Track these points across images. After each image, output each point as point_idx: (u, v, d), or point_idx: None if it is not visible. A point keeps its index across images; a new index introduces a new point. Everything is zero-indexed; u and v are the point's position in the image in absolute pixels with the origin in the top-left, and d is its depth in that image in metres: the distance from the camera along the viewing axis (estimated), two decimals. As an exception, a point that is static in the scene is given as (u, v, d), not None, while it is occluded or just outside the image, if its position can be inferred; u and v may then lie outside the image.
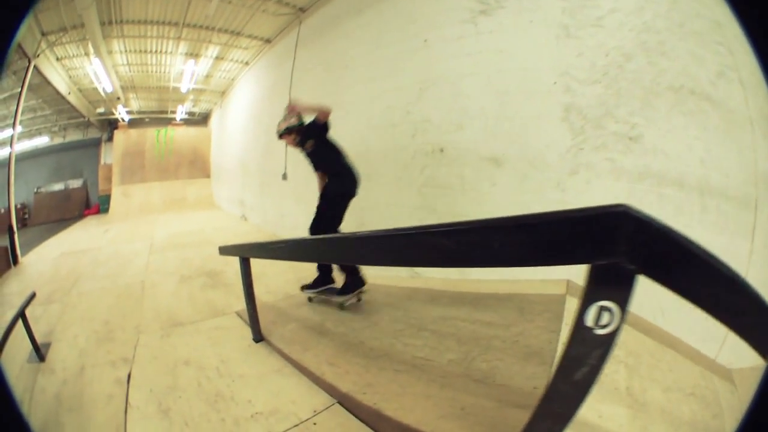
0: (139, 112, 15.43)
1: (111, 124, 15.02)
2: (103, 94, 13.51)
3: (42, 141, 13.39)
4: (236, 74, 13.82)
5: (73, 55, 11.21)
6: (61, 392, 3.61)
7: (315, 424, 2.73)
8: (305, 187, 7.93)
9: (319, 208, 4.85)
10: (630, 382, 2.54)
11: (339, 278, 4.82)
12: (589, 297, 1.16)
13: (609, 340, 1.18)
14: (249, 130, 12.20)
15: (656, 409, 2.21)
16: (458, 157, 4.77)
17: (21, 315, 4.10)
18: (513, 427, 1.84)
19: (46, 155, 13.45)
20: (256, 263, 4.14)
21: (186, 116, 16.44)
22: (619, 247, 1.06)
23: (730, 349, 2.59)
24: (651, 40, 3.16)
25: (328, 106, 4.79)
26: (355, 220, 4.82)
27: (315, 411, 2.86)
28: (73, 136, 14.31)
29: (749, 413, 1.22)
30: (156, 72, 13.35)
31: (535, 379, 2.43)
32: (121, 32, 10.59)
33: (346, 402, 2.86)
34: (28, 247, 9.06)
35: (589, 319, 1.16)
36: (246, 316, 4.31)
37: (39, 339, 4.36)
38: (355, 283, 4.70)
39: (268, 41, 11.09)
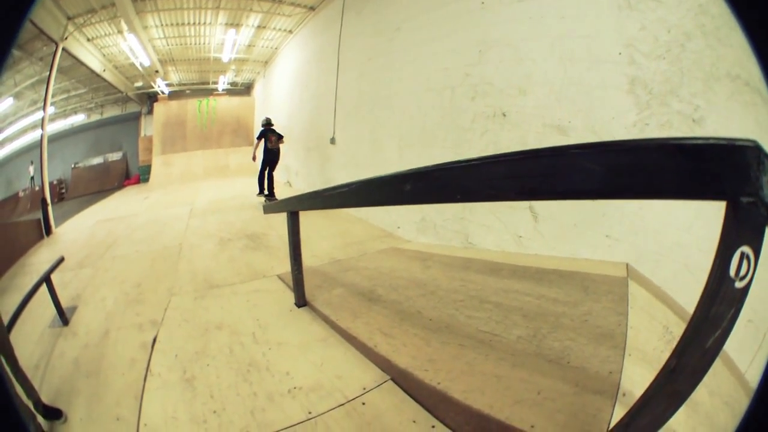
0: (180, 84, 15.65)
1: (150, 98, 15.26)
2: (140, 68, 13.64)
3: (78, 119, 13.64)
4: (279, 43, 13.69)
5: (105, 34, 11.33)
6: (81, 357, 3.39)
7: (364, 404, 2.39)
8: (354, 151, 8.00)
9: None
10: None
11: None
12: (731, 241, 1.05)
13: (743, 296, 1.08)
14: (295, 97, 12.17)
15: (703, 413, 1.93)
16: (521, 122, 4.54)
17: (45, 279, 3.94)
18: (593, 416, 1.75)
19: (83, 132, 13.72)
20: (300, 228, 3.87)
21: (228, 86, 16.53)
22: (756, 184, 1.00)
23: (758, 365, 2.37)
24: (708, 24, 3.03)
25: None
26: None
27: (365, 388, 2.51)
28: (112, 111, 14.59)
29: (749, 413, 1.18)
30: (195, 44, 13.34)
31: (610, 363, 2.14)
32: (155, 6, 10.61)
33: (402, 379, 2.49)
34: (63, 219, 9.24)
35: (733, 268, 1.04)
36: (288, 279, 4.01)
37: (65, 303, 4.20)
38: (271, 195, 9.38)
39: (311, 8, 10.87)
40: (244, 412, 2.42)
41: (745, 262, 1.05)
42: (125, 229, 7.84)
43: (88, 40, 11.08)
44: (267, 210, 4.19)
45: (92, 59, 11.79)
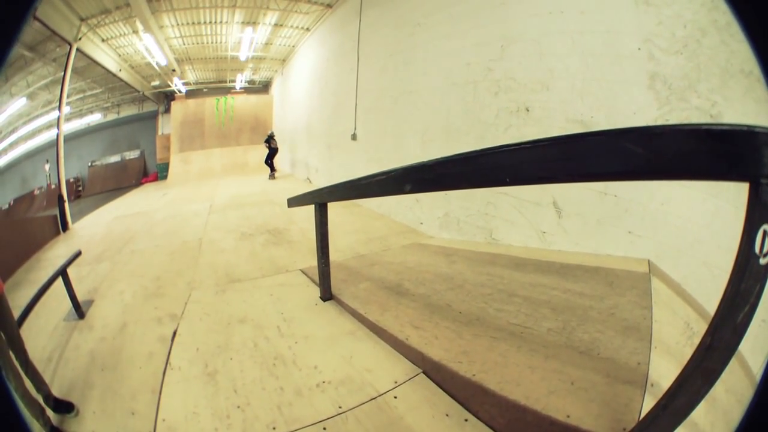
0: (197, 83, 15.81)
1: (168, 97, 15.41)
2: (156, 68, 13.77)
3: (94, 119, 14.01)
4: (297, 41, 13.72)
5: (120, 35, 11.41)
6: (96, 350, 3.32)
7: (396, 397, 2.32)
8: (376, 147, 7.96)
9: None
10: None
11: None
12: (755, 220, 1.10)
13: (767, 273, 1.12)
14: (314, 93, 12.21)
15: (721, 409, 1.93)
16: (544, 117, 4.51)
17: (61, 273, 3.89)
18: (624, 405, 1.77)
19: (100, 131, 14.12)
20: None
21: (246, 84, 16.69)
22: None
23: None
24: (720, 19, 3.04)
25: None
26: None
27: (396, 382, 2.43)
28: (128, 111, 14.93)
29: (749, 412, 1.18)
30: (212, 42, 13.40)
31: (638, 354, 2.17)
32: (170, 6, 10.59)
33: (435, 372, 2.43)
34: (80, 215, 9.44)
35: (757, 245, 1.10)
36: (312, 273, 3.94)
37: (81, 297, 4.15)
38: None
39: (329, 6, 10.84)
40: (270, 407, 2.32)
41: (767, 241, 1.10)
42: (144, 224, 7.84)
43: (103, 40, 11.18)
44: (291, 203, 4.12)
45: (107, 59, 11.88)
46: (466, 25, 5.59)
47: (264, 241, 6.05)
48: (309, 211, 3.76)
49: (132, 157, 14.19)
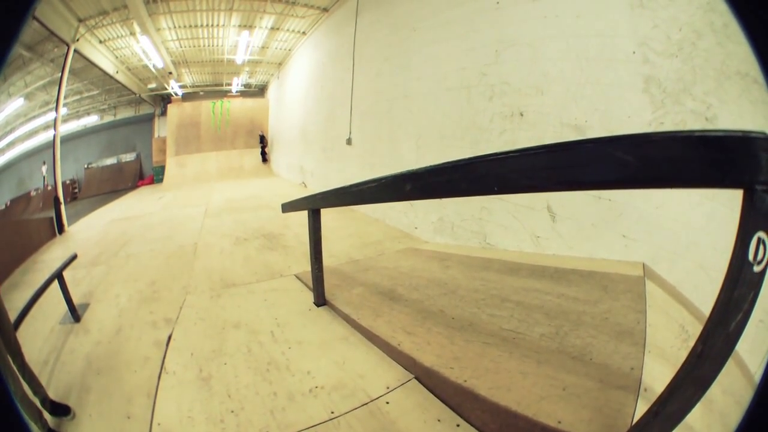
0: (193, 86, 15.82)
1: (164, 99, 15.44)
2: (153, 70, 13.79)
3: (91, 120, 14.00)
4: (293, 44, 13.76)
5: (117, 36, 11.45)
6: (92, 353, 3.34)
7: (388, 403, 2.33)
8: (371, 151, 7.96)
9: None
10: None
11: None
12: (748, 227, 1.10)
13: (761, 280, 1.12)
14: (309, 98, 12.21)
15: (717, 411, 1.92)
16: (539, 122, 4.51)
17: (57, 276, 3.92)
18: (617, 411, 1.77)
19: (97, 133, 14.13)
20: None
21: (242, 88, 16.74)
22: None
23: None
24: (717, 21, 3.04)
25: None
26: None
27: (388, 387, 2.45)
28: (125, 113, 14.93)
29: (749, 414, 1.20)
30: (208, 45, 13.44)
31: (631, 359, 2.17)
32: (167, 8, 10.65)
33: (427, 378, 2.44)
34: (76, 218, 9.42)
35: (751, 253, 1.10)
36: (306, 278, 3.96)
37: (77, 300, 4.17)
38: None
39: (325, 10, 10.88)
40: (264, 412, 2.34)
41: (761, 248, 1.10)
42: (139, 228, 7.85)
43: (101, 42, 11.20)
44: (285, 209, 4.13)
45: (105, 61, 11.91)
46: (461, 30, 5.61)
47: (259, 245, 6.06)
48: (304, 215, 3.78)
49: (128, 159, 14.18)
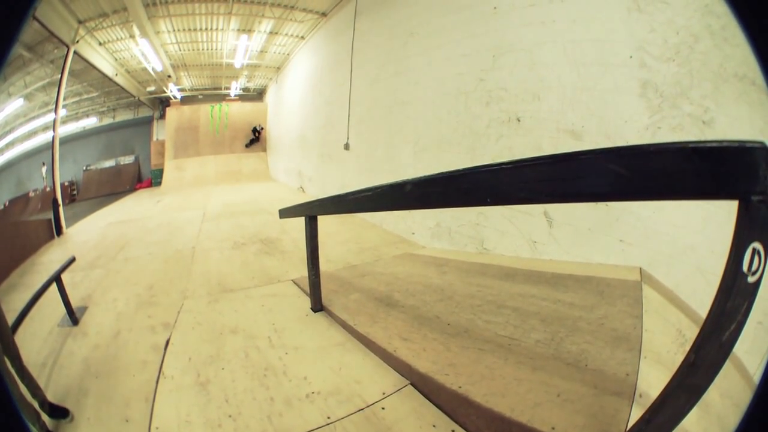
0: (192, 90, 15.80)
1: (163, 102, 15.42)
2: (152, 73, 13.78)
3: (90, 122, 14.05)
4: (291, 49, 13.79)
5: (117, 39, 11.49)
6: (90, 357, 3.33)
7: (384, 408, 2.34)
8: (369, 157, 7.97)
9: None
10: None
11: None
12: (743, 238, 1.10)
13: (755, 291, 1.12)
14: (308, 102, 12.23)
15: (715, 414, 1.93)
16: (535, 127, 4.54)
17: (56, 279, 3.92)
18: (612, 417, 1.78)
19: (95, 135, 14.19)
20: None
21: (241, 92, 16.75)
22: (765, 183, 1.03)
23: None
24: (714, 24, 3.06)
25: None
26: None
27: (384, 393, 2.46)
28: (124, 115, 14.95)
29: (747, 416, 1.19)
30: (207, 49, 13.45)
31: (626, 365, 2.18)
32: (167, 12, 10.67)
33: (422, 384, 2.45)
34: (74, 220, 9.46)
35: (745, 264, 1.09)
36: (304, 283, 3.95)
37: (75, 303, 4.18)
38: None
39: (323, 14, 10.92)
40: (261, 417, 2.35)
41: (756, 258, 1.09)
42: (138, 231, 7.84)
43: (100, 44, 11.23)
44: (283, 215, 4.14)
45: (104, 63, 11.92)
46: (459, 35, 5.64)
47: (256, 250, 6.07)
48: (302, 220, 3.79)
49: (126, 162, 14.18)
